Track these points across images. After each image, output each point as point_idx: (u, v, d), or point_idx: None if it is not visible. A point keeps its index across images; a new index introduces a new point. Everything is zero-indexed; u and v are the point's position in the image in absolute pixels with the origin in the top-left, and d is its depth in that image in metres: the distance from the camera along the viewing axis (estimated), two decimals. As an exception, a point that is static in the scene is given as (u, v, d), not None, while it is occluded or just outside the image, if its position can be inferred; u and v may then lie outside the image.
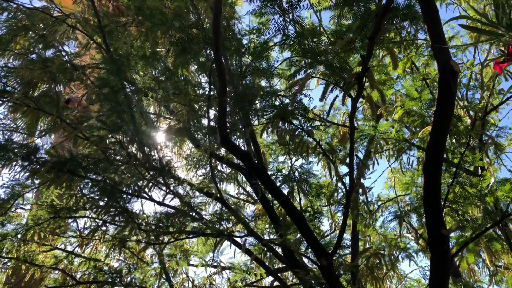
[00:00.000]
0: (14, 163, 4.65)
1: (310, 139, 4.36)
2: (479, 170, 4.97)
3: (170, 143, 6.06)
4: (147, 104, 6.36)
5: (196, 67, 5.37)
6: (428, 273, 5.87)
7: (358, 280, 4.22)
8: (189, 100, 5.05)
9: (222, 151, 5.86)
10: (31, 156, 4.51)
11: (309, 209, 4.71)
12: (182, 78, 5.26)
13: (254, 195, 7.29)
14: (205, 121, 5.64)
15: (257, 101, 3.85)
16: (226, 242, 4.90)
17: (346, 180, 5.55)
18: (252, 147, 5.06)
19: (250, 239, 5.28)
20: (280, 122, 4.10)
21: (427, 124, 4.47)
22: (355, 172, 3.79)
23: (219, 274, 5.93)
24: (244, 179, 6.71)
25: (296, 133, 4.10)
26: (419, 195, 4.95)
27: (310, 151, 4.19)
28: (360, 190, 4.12)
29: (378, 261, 4.52)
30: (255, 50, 4.73)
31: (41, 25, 5.78)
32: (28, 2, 5.79)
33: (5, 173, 5.20)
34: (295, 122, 3.92)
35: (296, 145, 4.08)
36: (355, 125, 4.20)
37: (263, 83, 5.23)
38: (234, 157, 6.12)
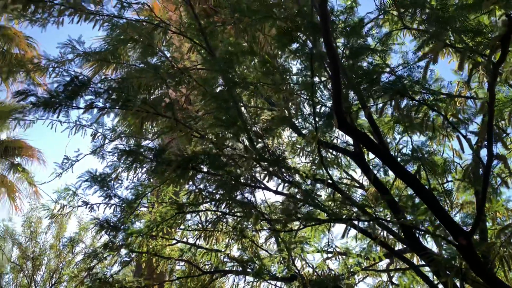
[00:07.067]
0: (143, 165, 5.07)
1: (432, 114, 4.13)
2: None
3: (272, 134, 6.15)
4: (248, 99, 6.51)
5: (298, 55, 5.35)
6: None
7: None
8: (291, 93, 5.10)
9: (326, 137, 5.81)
10: (158, 157, 4.86)
11: (437, 188, 4.48)
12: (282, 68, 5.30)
13: (359, 178, 7.15)
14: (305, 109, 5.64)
15: (379, 80, 3.73)
16: (341, 227, 4.88)
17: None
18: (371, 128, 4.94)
19: (366, 223, 5.19)
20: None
21: None
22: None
23: (335, 259, 5.92)
24: (350, 162, 6.61)
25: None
26: None
27: (434, 127, 3.97)
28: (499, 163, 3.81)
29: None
30: (359, 28, 4.60)
31: (145, 36, 6.20)
32: (130, 16, 6.23)
33: (126, 175, 5.65)
34: (417, 97, 3.74)
35: (420, 121, 3.89)
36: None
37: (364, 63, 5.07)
38: (336, 142, 6.07)
